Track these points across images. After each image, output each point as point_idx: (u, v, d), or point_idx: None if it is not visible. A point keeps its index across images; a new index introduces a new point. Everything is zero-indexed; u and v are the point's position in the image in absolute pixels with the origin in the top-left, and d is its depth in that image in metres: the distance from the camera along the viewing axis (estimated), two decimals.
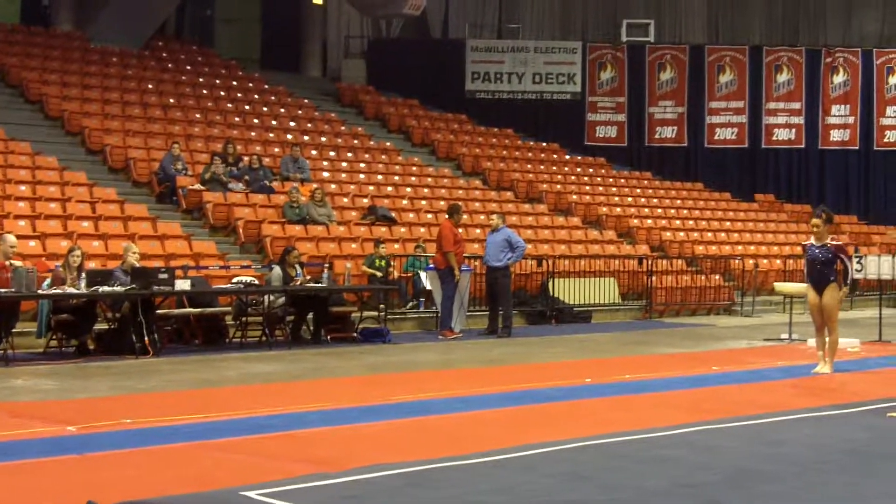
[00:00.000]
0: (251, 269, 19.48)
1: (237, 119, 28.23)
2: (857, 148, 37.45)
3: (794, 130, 37.51)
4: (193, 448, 8.65)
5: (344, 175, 26.70)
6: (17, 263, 14.92)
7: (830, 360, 14.47)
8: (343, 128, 30.48)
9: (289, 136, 27.85)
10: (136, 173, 23.60)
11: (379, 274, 20.26)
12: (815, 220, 14.44)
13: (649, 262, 25.34)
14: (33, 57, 27.77)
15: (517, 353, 16.94)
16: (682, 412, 10.64)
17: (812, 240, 14.44)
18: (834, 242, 14.40)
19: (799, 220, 34.20)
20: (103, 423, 9.62)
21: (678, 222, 31.20)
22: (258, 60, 36.98)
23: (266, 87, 31.60)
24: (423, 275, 20.84)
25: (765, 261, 28.39)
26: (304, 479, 7.21)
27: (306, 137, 28.32)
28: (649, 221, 30.39)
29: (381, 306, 18.77)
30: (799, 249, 15.04)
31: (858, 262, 20.91)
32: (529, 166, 32.53)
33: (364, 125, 32.00)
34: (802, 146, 37.49)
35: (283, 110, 30.05)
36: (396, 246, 22.39)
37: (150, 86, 28.41)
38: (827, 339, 14.42)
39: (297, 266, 17.89)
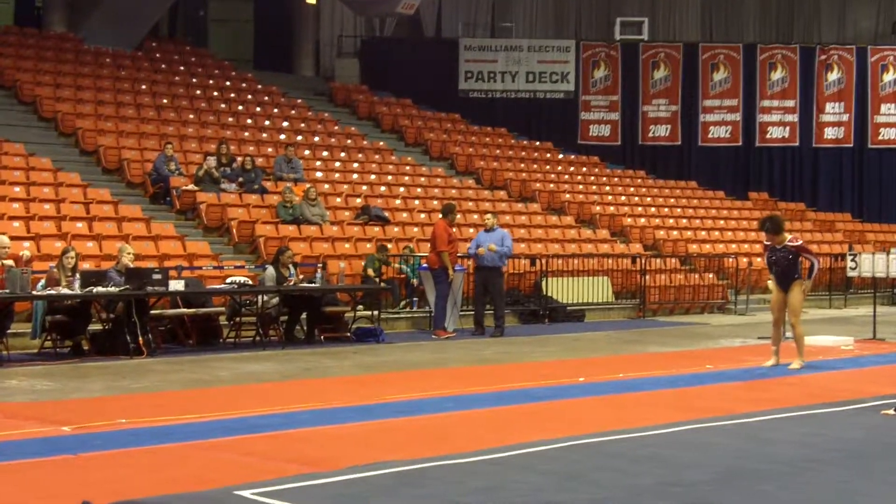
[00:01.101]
0: (245, 269, 19.51)
1: (230, 119, 28.23)
2: (851, 146, 37.49)
3: (788, 128, 37.56)
4: (187, 448, 8.67)
5: (337, 175, 26.72)
6: (10, 263, 14.95)
7: (800, 354, 14.63)
8: (336, 127, 30.49)
9: (282, 136, 27.86)
10: (129, 174, 23.59)
11: (374, 276, 20.31)
12: (764, 234, 14.78)
13: (643, 261, 25.34)
14: (26, 58, 27.74)
15: (510, 353, 16.95)
16: (675, 411, 10.67)
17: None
18: (793, 244, 14.62)
19: (793, 218, 34.21)
20: (98, 424, 9.64)
21: (672, 221, 31.24)
22: (251, 60, 36.99)
23: (259, 87, 31.60)
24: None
25: (758, 259, 28.34)
26: (297, 478, 7.24)
27: (299, 137, 28.33)
28: (643, 220, 30.43)
29: (375, 313, 18.75)
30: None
31: (853, 261, 20.94)
32: (523, 165, 32.56)
33: (357, 125, 32.01)
34: (796, 144, 37.53)
35: (276, 110, 30.06)
36: (390, 245, 22.40)
37: (143, 86, 28.41)
38: (786, 334, 14.75)
39: (291, 266, 17.89)
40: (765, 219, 15.36)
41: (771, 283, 15.11)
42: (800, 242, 14.89)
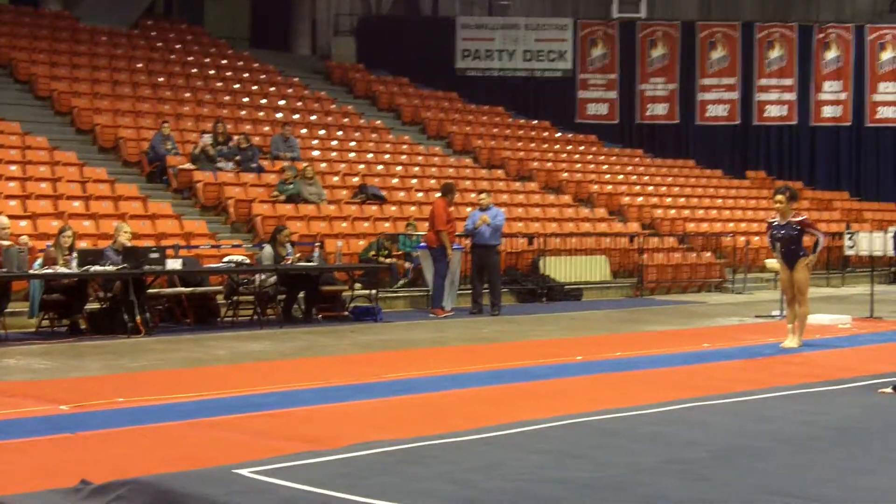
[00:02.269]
0: (242, 248, 19.49)
1: (227, 98, 28.17)
2: (848, 124, 37.44)
3: (785, 107, 37.50)
4: (186, 426, 8.67)
5: (334, 154, 26.67)
6: (6, 243, 14.92)
7: (800, 333, 14.58)
8: (333, 106, 30.43)
9: (279, 115, 27.80)
10: (126, 153, 23.56)
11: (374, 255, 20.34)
12: (778, 197, 14.64)
13: (640, 240, 25.36)
14: (22, 37, 27.66)
15: (508, 332, 16.96)
16: (672, 389, 10.66)
17: (777, 218, 14.60)
18: (797, 219, 14.57)
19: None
20: (96, 402, 9.65)
21: (669, 199, 31.22)
22: (248, 39, 36.89)
23: (256, 65, 31.53)
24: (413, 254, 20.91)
25: (756, 238, 28.38)
26: (296, 456, 7.23)
27: (296, 116, 28.28)
28: (640, 199, 30.41)
29: (373, 292, 18.73)
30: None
31: (850, 239, 20.97)
32: (520, 144, 32.51)
33: (354, 103, 31.95)
34: (794, 123, 37.49)
35: (272, 89, 29.99)
36: (387, 225, 22.40)
37: (139, 65, 28.33)
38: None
39: (288, 245, 17.88)
40: (784, 187, 15.24)
41: (770, 262, 15.04)
42: (804, 218, 14.83)
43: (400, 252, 21.30)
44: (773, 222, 14.71)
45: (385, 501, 5.99)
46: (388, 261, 20.58)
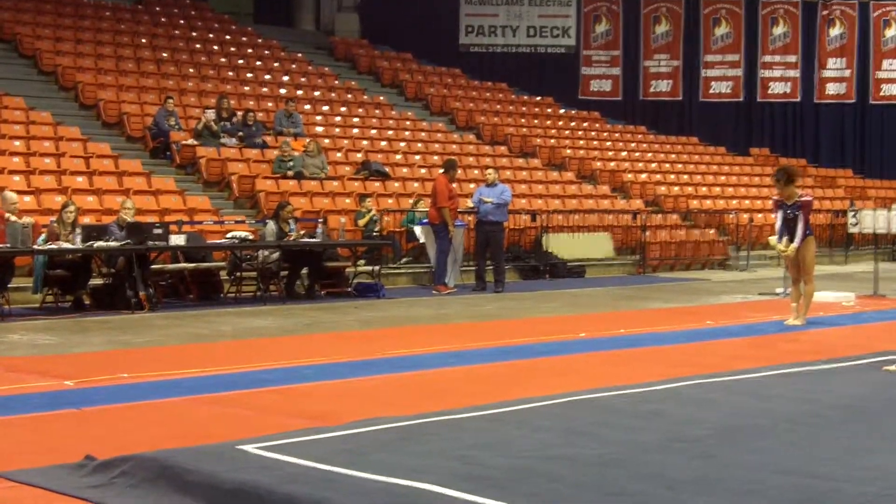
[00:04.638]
0: (245, 224, 19.50)
1: (231, 74, 28.13)
2: (853, 101, 37.37)
3: (789, 84, 37.42)
4: (189, 402, 8.69)
5: (337, 130, 26.65)
6: (14, 218, 14.93)
7: (805, 311, 14.54)
8: (336, 82, 30.38)
9: (282, 91, 27.77)
10: (129, 128, 23.53)
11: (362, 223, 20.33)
12: (777, 180, 14.59)
13: (643, 217, 25.34)
14: (26, 11, 27.60)
15: (511, 308, 16.96)
16: (675, 367, 10.66)
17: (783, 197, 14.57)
18: (803, 198, 14.50)
19: None
20: (100, 378, 9.66)
21: (673, 177, 31.19)
22: (251, 14, 36.79)
23: (259, 41, 31.47)
24: (417, 229, 20.85)
25: (759, 215, 28.40)
26: (299, 432, 7.24)
27: (300, 92, 28.23)
28: (644, 176, 30.37)
29: (375, 268, 18.73)
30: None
31: (854, 217, 20.95)
32: (523, 120, 32.46)
33: (357, 79, 31.90)
34: (798, 100, 37.42)
35: (276, 64, 29.95)
36: (390, 201, 22.39)
37: (143, 40, 28.29)
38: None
39: (291, 221, 17.88)
40: (781, 170, 15.15)
41: (773, 240, 14.94)
42: (807, 199, 14.73)
43: (402, 228, 21.32)
44: (781, 202, 14.62)
45: (388, 478, 5.99)
46: (372, 217, 20.45)
